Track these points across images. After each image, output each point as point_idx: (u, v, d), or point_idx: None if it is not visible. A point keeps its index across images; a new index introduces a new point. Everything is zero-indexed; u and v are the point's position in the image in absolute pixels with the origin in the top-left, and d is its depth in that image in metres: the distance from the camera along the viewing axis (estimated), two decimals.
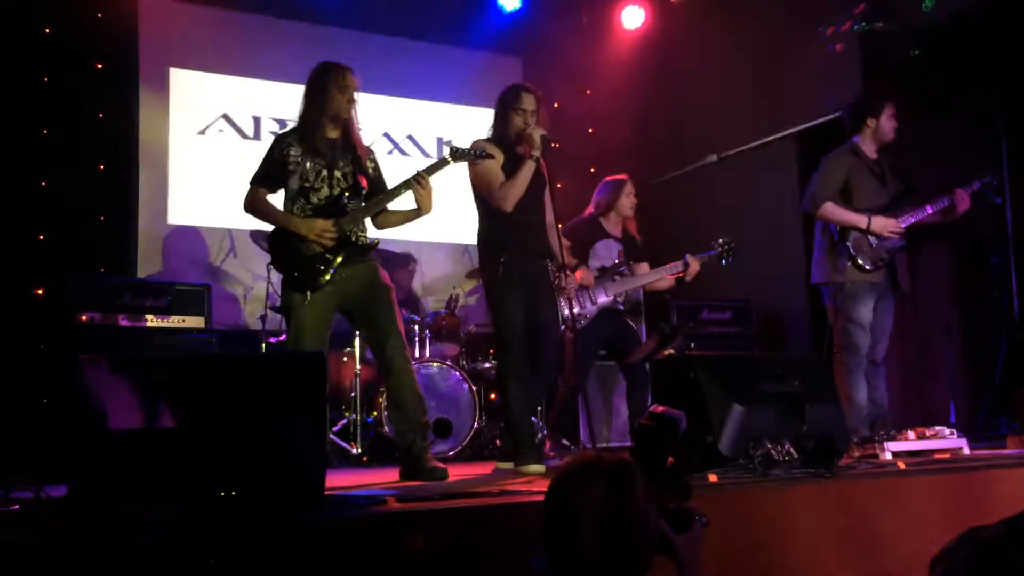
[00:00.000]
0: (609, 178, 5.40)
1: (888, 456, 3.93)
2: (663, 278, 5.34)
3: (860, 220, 4.66)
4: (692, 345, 5.91)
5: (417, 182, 3.90)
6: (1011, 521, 1.37)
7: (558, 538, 1.70)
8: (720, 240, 5.35)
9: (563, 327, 4.48)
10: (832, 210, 4.70)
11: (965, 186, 4.74)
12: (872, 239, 4.66)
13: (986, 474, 3.54)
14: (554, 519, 1.72)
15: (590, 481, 1.69)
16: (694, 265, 5.21)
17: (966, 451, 4.12)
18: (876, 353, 4.74)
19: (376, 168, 4.12)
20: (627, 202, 5.33)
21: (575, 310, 4.60)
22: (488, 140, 4.26)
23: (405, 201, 4.03)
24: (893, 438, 4.04)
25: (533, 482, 3.46)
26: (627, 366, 5.18)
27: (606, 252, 5.24)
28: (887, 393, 4.78)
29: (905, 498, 3.25)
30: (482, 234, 4.31)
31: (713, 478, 3.10)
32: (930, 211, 4.74)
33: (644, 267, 5.36)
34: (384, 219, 4.14)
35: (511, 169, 4.15)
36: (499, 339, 4.22)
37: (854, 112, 4.89)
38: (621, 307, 5.23)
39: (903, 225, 4.70)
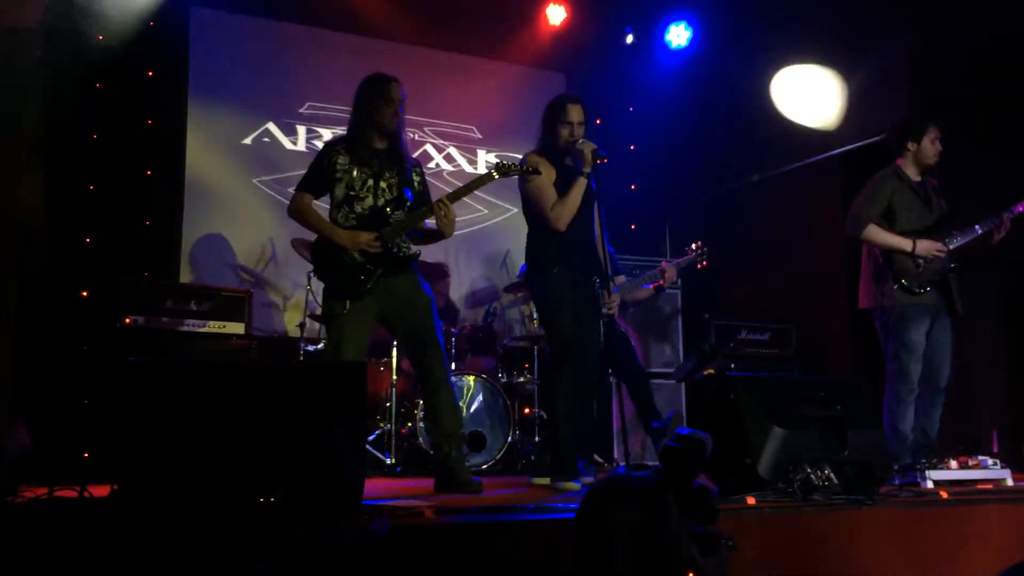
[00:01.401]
0: None
1: (930, 485, 3.87)
2: (641, 288, 5.40)
3: (905, 243, 4.60)
4: (732, 366, 5.86)
5: (440, 208, 3.90)
6: None
7: (590, 560, 1.68)
8: (694, 245, 5.54)
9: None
10: (876, 233, 4.63)
11: (1010, 209, 4.64)
12: (919, 261, 4.59)
13: None
14: (586, 541, 1.70)
15: (622, 503, 1.67)
16: (670, 272, 5.43)
17: (1010, 482, 4.04)
18: (938, 379, 4.64)
19: (422, 181, 4.14)
20: None
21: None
22: (536, 153, 4.25)
23: None
24: (935, 467, 3.97)
25: (570, 498, 3.44)
26: (619, 369, 5.19)
27: None
28: (939, 424, 4.67)
29: (947, 528, 3.19)
30: (532, 248, 4.30)
31: (751, 501, 3.06)
32: (979, 231, 4.64)
33: (621, 279, 5.43)
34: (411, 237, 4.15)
35: (562, 182, 4.15)
36: (553, 351, 4.21)
37: (897, 134, 4.84)
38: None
39: (950, 247, 4.63)
